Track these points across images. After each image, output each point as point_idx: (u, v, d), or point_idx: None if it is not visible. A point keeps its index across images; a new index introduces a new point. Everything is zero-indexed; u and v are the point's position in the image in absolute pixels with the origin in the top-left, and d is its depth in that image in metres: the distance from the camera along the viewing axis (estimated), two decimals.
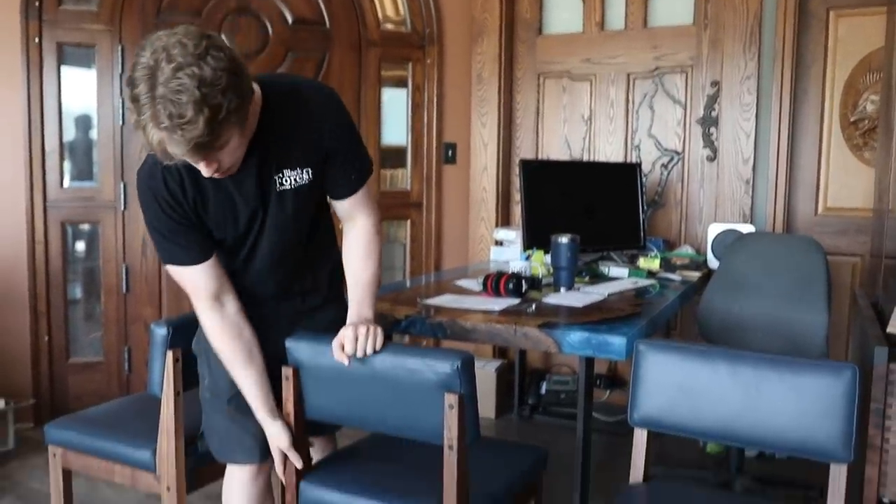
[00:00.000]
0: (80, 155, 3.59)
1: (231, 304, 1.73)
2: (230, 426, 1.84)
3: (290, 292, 1.86)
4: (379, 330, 1.67)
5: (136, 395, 2.47)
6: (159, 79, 1.33)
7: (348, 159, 1.73)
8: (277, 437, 1.76)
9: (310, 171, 1.68)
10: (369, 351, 1.63)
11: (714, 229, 3.28)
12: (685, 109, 3.67)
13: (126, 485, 2.09)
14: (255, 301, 1.80)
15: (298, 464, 1.76)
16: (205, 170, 1.49)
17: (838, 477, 1.61)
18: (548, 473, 2.06)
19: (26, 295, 3.46)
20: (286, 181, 1.66)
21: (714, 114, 3.58)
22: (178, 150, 1.39)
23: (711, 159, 3.62)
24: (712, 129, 3.60)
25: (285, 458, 1.79)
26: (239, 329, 1.73)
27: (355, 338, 1.64)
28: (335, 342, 1.67)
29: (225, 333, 1.71)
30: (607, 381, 3.83)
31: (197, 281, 1.68)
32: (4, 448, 3.23)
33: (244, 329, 1.73)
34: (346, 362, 1.64)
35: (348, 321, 1.72)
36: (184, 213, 1.62)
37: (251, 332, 1.75)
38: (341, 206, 1.81)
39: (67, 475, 2.20)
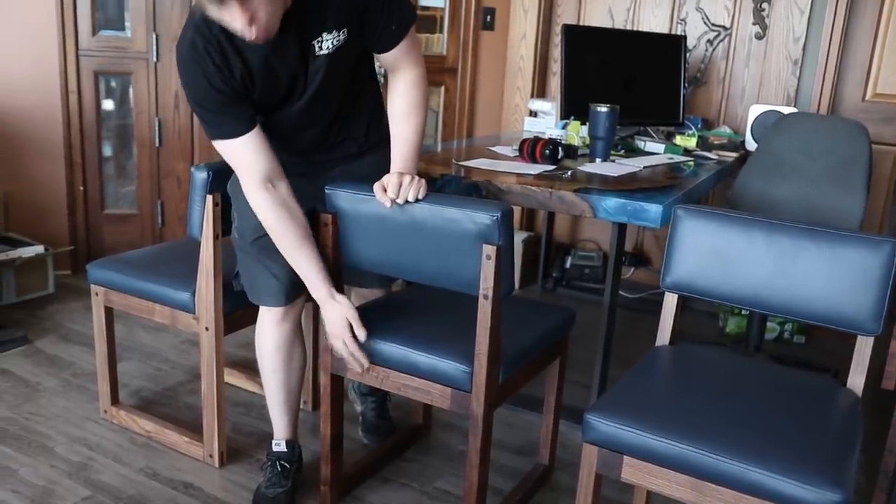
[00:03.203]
0: (111, 4, 3.52)
1: (283, 187, 1.72)
2: (255, 268, 1.89)
3: (324, 144, 1.86)
4: (423, 182, 1.67)
5: (176, 241, 2.53)
6: None
7: (385, 11, 1.69)
8: (338, 317, 1.74)
9: (345, 31, 1.65)
10: (411, 198, 1.64)
11: (755, 110, 3.19)
12: None
13: (166, 324, 2.17)
14: (287, 152, 1.81)
15: (362, 335, 1.73)
16: (241, 23, 1.45)
17: (864, 349, 1.62)
18: (570, 341, 2.11)
19: (61, 145, 3.49)
20: (325, 45, 1.64)
21: None
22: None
23: (760, 37, 3.48)
24: (764, 5, 3.44)
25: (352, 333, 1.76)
26: (290, 211, 1.72)
27: (399, 184, 1.65)
28: (377, 185, 1.67)
29: (277, 215, 1.71)
30: (632, 259, 3.86)
31: (247, 159, 1.68)
32: (45, 291, 3.34)
33: (296, 210, 1.73)
34: (387, 204, 1.65)
35: (391, 171, 1.73)
36: (231, 85, 1.61)
37: (303, 213, 1.75)
38: (385, 59, 1.78)
39: (109, 314, 2.29)
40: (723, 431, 1.39)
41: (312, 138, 1.83)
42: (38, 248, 3.27)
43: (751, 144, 3.15)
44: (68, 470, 2.10)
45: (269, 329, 1.95)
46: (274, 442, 2.04)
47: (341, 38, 1.65)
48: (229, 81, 1.61)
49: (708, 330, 3.43)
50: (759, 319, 2.99)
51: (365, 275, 1.97)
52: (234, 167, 1.73)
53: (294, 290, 1.90)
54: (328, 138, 1.85)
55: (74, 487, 2.02)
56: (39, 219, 3.50)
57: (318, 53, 1.65)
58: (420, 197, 1.64)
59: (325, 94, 1.73)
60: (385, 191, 1.66)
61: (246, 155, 1.68)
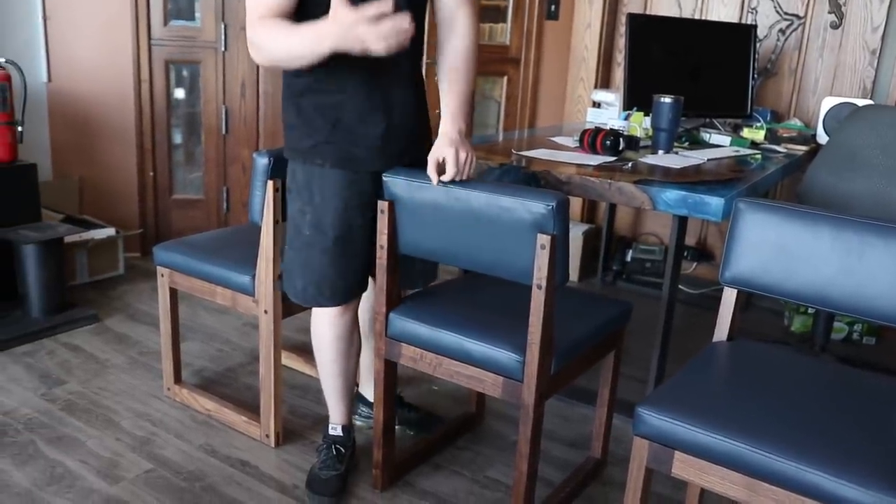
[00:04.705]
0: None
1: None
2: (327, 268, 1.84)
3: (394, 128, 1.82)
4: (474, 157, 1.71)
5: (239, 226, 2.59)
6: None
7: None
8: (351, 19, 1.51)
9: None
10: (464, 177, 1.68)
11: (829, 102, 3.08)
12: None
13: (227, 306, 2.22)
14: (363, 140, 1.78)
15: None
16: None
17: None
18: (628, 335, 2.08)
19: (133, 132, 3.60)
20: None
21: None
22: None
23: (836, 26, 3.36)
24: None
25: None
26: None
27: (456, 161, 1.66)
28: (432, 158, 1.69)
29: (275, 23, 1.62)
30: (695, 254, 3.78)
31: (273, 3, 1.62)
32: (116, 273, 3.47)
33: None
34: (434, 182, 1.68)
35: (445, 134, 1.73)
36: None
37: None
38: (447, 1, 1.79)
39: (174, 295, 2.36)
40: (778, 429, 1.35)
41: (389, 102, 1.79)
42: (110, 231, 3.39)
43: (822, 138, 3.05)
44: (132, 444, 2.17)
45: (330, 321, 1.93)
46: (331, 426, 2.07)
47: None
48: None
49: (772, 328, 3.34)
50: (826, 318, 2.90)
51: (408, 275, 1.96)
52: (253, 6, 1.64)
53: (359, 288, 1.92)
54: (386, 91, 1.80)
55: (138, 461, 2.09)
56: (111, 203, 3.63)
57: None
58: (472, 174, 1.70)
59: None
60: (440, 166, 1.68)
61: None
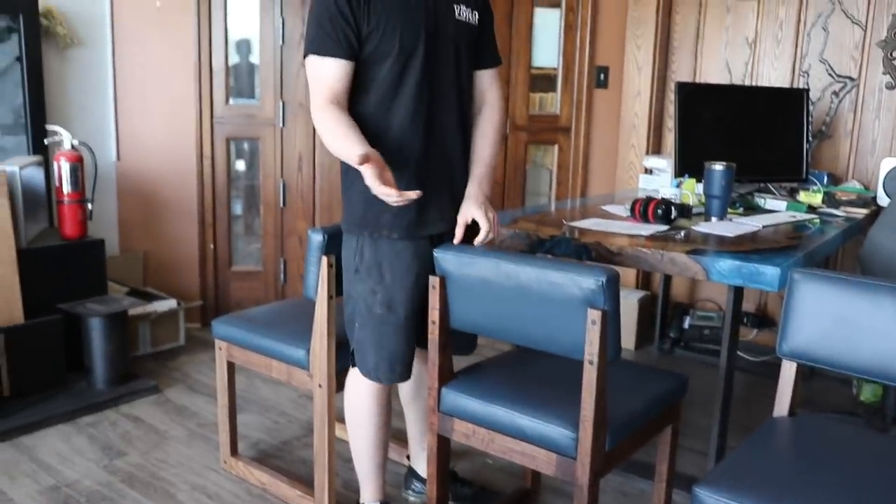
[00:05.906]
0: (243, 75, 3.78)
1: (344, 104, 1.78)
2: (400, 345, 1.88)
3: (455, 184, 1.89)
4: (497, 216, 1.89)
5: (293, 300, 2.64)
6: None
7: (492, 33, 1.98)
8: (377, 171, 1.62)
9: (476, 15, 1.89)
10: (494, 235, 1.85)
11: (888, 163, 3.02)
12: (865, 31, 3.35)
13: (282, 380, 2.25)
14: (401, 167, 1.80)
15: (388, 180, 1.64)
16: None
17: None
18: (686, 406, 2.04)
19: (195, 206, 3.73)
20: (461, 14, 1.85)
21: None
22: None
23: (892, 87, 3.31)
24: (895, 53, 3.28)
25: None
26: (348, 117, 1.76)
27: (487, 220, 1.82)
28: (462, 219, 1.84)
29: (334, 117, 1.74)
30: (755, 320, 3.69)
31: (329, 77, 1.75)
32: (176, 344, 3.55)
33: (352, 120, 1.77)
34: (456, 238, 1.83)
35: (473, 197, 1.86)
36: (356, 9, 1.72)
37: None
38: (482, 79, 1.97)
39: (231, 368, 2.40)
40: None
41: (427, 141, 1.83)
42: (171, 303, 3.49)
43: (883, 200, 2.98)
44: None
45: (375, 393, 1.97)
46: None
47: (473, 19, 1.89)
48: (356, 4, 1.72)
49: (839, 397, 3.21)
50: None
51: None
52: (312, 84, 1.78)
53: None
54: (458, 175, 1.90)
55: None
56: (173, 275, 3.75)
57: (456, 17, 1.84)
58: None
59: (446, 63, 1.83)
60: (468, 226, 1.84)
61: (328, 74, 1.75)
